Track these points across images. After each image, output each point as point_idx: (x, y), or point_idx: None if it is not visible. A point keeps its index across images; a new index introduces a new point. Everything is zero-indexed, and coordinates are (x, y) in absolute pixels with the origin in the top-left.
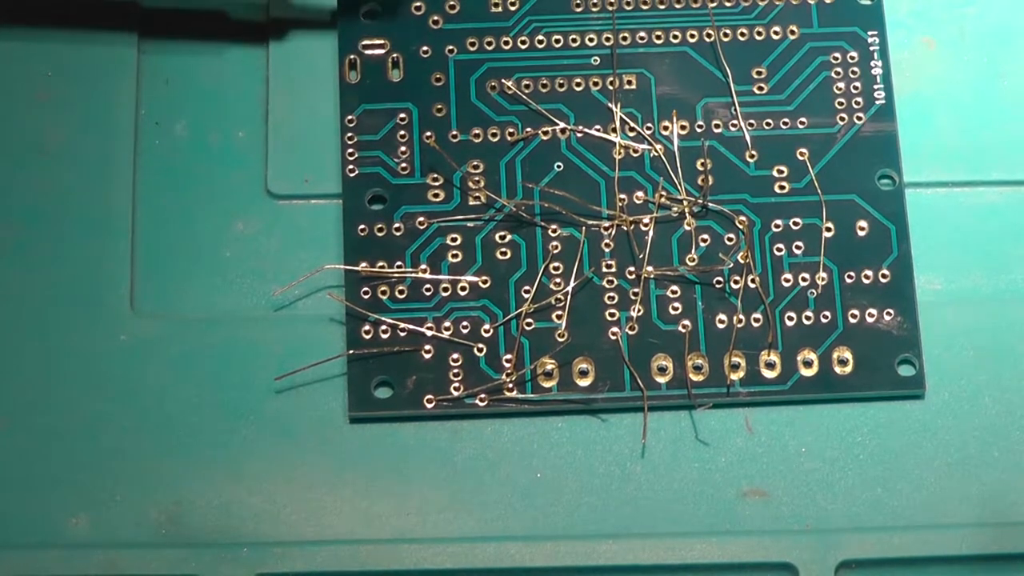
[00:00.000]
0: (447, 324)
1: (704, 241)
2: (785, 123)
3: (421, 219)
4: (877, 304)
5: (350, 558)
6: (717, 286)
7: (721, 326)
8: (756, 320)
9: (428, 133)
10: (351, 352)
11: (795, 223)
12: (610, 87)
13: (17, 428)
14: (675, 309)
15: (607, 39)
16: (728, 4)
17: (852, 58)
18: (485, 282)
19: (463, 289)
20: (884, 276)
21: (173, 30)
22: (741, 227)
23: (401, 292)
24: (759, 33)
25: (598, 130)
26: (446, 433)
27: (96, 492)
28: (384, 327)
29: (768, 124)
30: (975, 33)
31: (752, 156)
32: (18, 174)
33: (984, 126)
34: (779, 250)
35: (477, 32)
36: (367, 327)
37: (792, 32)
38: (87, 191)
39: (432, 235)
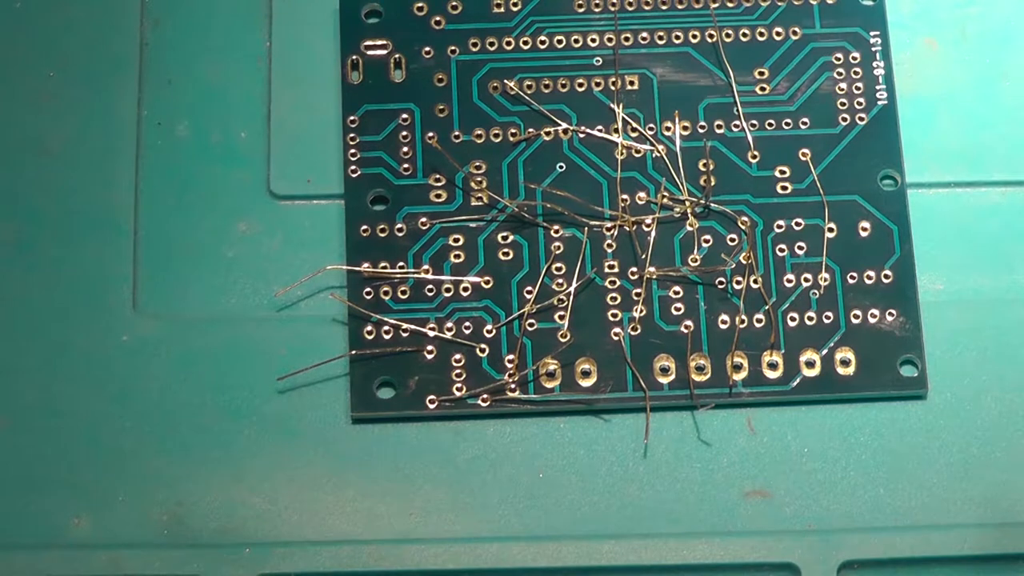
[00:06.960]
0: (449, 325)
1: (706, 242)
2: (787, 123)
3: (423, 220)
4: (879, 304)
5: (352, 558)
6: (719, 287)
7: (723, 327)
8: (758, 321)
9: (430, 134)
10: (353, 352)
11: (797, 224)
12: (612, 87)
13: (19, 428)
14: (677, 310)
15: (609, 39)
16: (730, 4)
17: (854, 59)
18: (487, 282)
19: (465, 290)
20: (886, 276)
21: (176, 31)
22: (743, 228)
23: (403, 293)
24: (761, 34)
25: (600, 131)
26: (448, 433)
27: (98, 492)
28: (386, 327)
29: (770, 124)
30: (977, 34)
31: (754, 157)
32: (20, 174)
33: (986, 126)
34: (781, 251)
35: (479, 32)
36: (369, 327)
37: (794, 33)
38: (89, 191)
39: (434, 236)
